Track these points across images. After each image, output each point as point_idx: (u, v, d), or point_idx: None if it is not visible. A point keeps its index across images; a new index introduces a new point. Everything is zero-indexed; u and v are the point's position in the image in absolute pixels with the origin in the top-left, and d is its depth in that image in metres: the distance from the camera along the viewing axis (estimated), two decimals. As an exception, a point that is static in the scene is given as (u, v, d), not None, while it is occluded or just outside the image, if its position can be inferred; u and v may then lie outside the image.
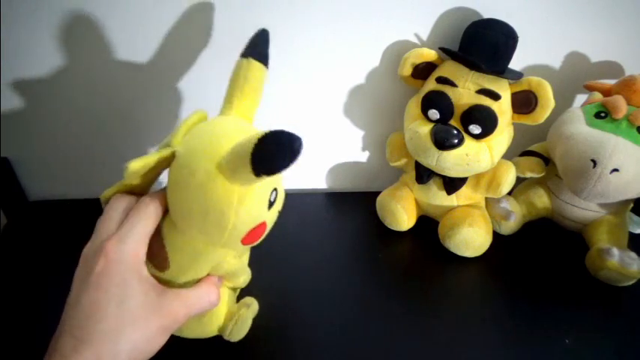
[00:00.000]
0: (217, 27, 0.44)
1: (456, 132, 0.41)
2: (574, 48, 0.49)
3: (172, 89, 0.48)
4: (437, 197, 0.48)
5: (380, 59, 0.48)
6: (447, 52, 0.43)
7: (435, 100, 0.42)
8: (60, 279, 0.32)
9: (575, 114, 0.46)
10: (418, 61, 0.44)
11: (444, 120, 0.43)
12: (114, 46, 0.44)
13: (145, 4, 0.42)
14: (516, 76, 0.41)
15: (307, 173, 0.58)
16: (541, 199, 0.50)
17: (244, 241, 0.32)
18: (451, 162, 0.42)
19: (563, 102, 0.53)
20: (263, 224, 0.32)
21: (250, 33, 0.35)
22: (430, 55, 0.44)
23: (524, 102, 0.41)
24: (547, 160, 0.49)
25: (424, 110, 0.44)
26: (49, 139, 0.51)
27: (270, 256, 0.42)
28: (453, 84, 0.42)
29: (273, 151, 0.25)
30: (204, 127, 0.32)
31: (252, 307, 0.39)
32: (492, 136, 0.42)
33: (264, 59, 0.34)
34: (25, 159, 0.52)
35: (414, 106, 0.46)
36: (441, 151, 0.41)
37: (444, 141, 0.41)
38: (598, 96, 0.47)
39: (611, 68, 0.50)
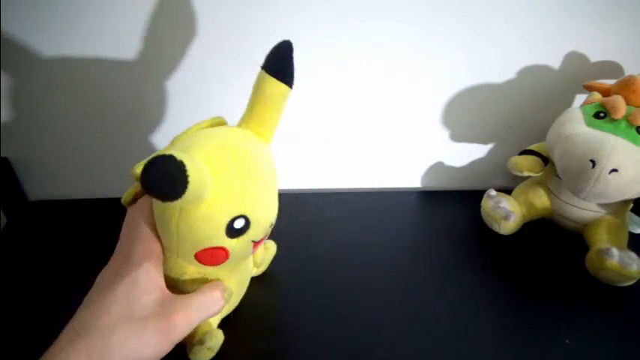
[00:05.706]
0: (220, 25, 0.44)
1: None
2: (573, 48, 0.49)
3: (173, 90, 0.48)
4: None
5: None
6: None
7: None
8: (60, 279, 0.32)
9: (575, 114, 0.46)
10: None
11: None
12: (114, 46, 0.45)
13: (145, 4, 0.42)
14: None
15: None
16: (541, 200, 0.50)
17: (199, 260, 0.31)
18: None
19: (563, 102, 0.53)
20: (220, 249, 0.31)
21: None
22: None
23: None
24: (546, 160, 0.49)
25: None
26: (49, 139, 0.51)
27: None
28: None
29: (153, 178, 0.24)
30: (192, 135, 0.31)
31: (209, 344, 0.34)
32: None
33: (279, 76, 0.31)
34: (25, 159, 0.52)
35: None
36: None
37: None
38: (597, 96, 0.47)
39: (611, 68, 0.50)
